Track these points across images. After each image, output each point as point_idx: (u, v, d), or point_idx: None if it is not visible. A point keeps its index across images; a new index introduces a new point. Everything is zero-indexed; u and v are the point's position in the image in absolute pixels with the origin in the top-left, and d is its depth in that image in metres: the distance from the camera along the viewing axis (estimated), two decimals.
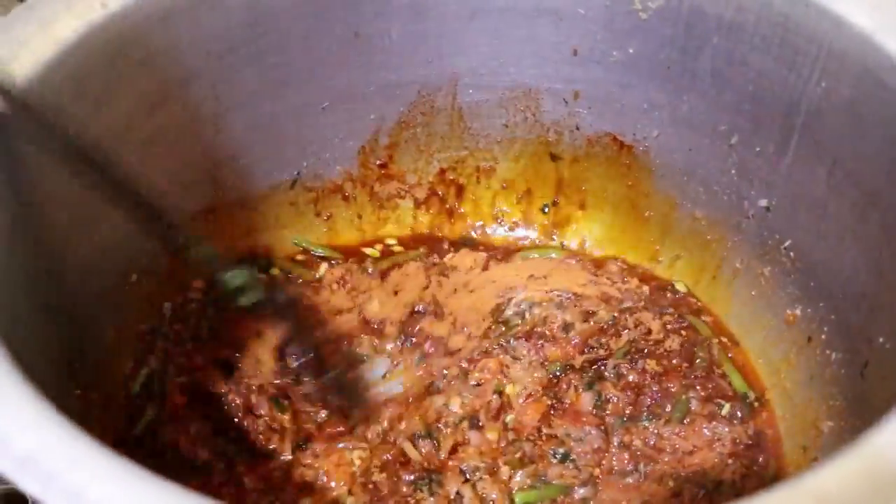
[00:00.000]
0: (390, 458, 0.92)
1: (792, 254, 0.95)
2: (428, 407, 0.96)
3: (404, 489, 0.90)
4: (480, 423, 0.94)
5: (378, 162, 1.10)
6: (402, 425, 0.95)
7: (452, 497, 0.90)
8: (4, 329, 0.63)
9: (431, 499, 0.89)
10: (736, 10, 0.88)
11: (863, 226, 0.84)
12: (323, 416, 0.96)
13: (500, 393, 0.96)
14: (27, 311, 0.74)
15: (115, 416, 0.91)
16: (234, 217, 1.05)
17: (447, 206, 1.15)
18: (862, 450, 0.56)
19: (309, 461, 0.92)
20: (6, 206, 0.73)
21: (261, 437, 0.92)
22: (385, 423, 0.96)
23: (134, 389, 0.94)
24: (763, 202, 0.96)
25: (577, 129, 1.07)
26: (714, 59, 0.92)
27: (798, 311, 0.95)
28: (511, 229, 1.15)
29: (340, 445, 0.94)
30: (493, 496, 0.90)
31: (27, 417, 0.56)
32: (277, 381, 0.97)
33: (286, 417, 0.94)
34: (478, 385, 0.97)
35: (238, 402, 0.93)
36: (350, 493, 0.90)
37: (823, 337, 0.91)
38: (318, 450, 0.93)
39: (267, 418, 0.93)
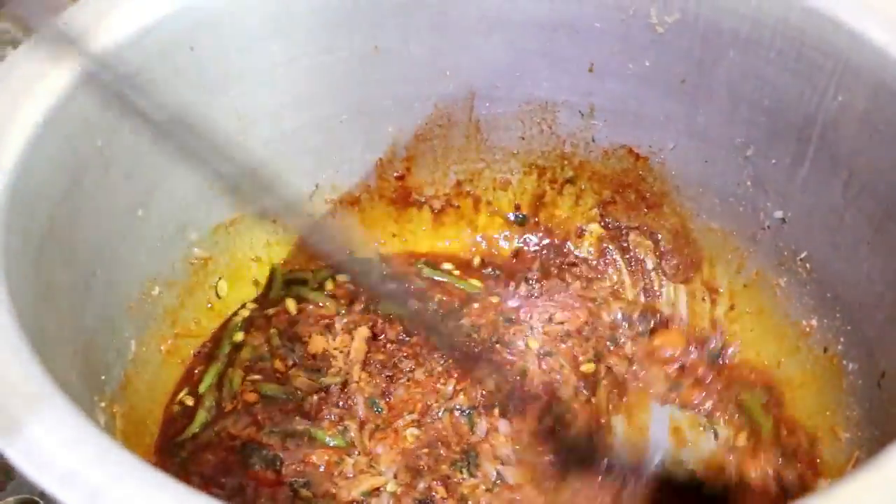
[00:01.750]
0: (435, 434, 0.94)
1: (808, 265, 0.96)
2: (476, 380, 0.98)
3: (444, 468, 0.91)
4: (509, 413, 0.96)
5: (395, 174, 1.11)
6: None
7: (493, 478, 0.90)
8: (37, 343, 0.64)
9: (472, 479, 0.90)
10: (752, 24, 0.88)
11: (879, 237, 0.85)
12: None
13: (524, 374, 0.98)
14: (55, 324, 0.75)
15: (144, 424, 0.92)
16: (254, 228, 1.06)
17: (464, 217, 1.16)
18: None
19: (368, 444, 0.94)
20: (38, 223, 0.74)
21: (337, 427, 0.94)
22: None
23: (200, 389, 0.98)
24: (779, 214, 0.97)
25: (594, 141, 1.07)
26: (730, 73, 0.93)
27: (814, 322, 0.96)
28: (526, 242, 1.16)
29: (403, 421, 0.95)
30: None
31: (68, 434, 0.56)
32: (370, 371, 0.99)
33: (381, 415, 0.95)
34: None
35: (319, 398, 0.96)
36: (395, 475, 0.91)
37: (840, 347, 0.92)
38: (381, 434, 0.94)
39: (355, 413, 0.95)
